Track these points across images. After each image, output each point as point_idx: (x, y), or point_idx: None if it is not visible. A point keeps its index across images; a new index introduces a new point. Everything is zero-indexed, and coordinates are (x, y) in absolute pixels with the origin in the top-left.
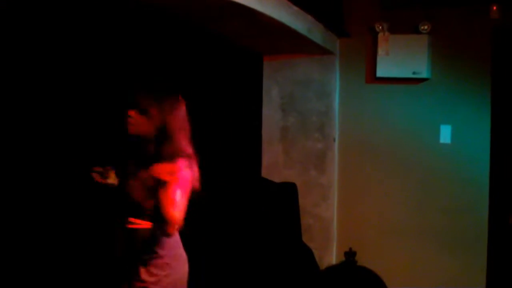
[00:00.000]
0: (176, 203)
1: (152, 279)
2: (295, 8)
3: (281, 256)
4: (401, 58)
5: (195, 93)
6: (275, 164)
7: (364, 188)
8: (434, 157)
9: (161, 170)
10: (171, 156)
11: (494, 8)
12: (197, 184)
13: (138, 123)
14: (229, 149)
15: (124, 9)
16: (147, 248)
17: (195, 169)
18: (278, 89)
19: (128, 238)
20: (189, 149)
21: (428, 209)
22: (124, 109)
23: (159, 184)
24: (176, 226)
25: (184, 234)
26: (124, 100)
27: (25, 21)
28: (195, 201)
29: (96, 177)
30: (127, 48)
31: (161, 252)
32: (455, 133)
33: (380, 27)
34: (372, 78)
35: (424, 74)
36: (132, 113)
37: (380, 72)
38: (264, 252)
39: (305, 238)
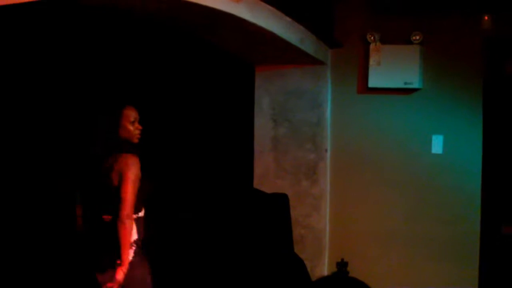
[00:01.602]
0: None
1: None
2: (287, 18)
3: (273, 267)
4: (393, 68)
5: (186, 102)
6: (266, 175)
7: (356, 199)
8: (426, 167)
9: None
10: None
11: (486, 18)
12: None
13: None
14: (220, 159)
15: (118, 20)
16: None
17: None
18: (270, 99)
19: None
20: None
21: (420, 219)
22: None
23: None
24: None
25: (176, 243)
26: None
27: None
28: (186, 211)
29: None
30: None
31: None
32: (447, 143)
33: (372, 38)
34: (364, 88)
35: (415, 85)
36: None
37: (372, 83)
38: (255, 263)
39: (297, 249)
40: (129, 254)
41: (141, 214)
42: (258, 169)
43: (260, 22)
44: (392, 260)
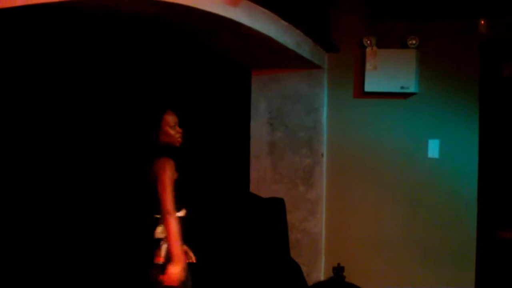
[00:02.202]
0: None
1: None
2: (284, 23)
3: (269, 272)
4: (389, 72)
5: (183, 106)
6: (263, 179)
7: (352, 203)
8: (423, 172)
9: None
10: None
11: (482, 22)
12: None
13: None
14: (217, 164)
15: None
16: None
17: None
18: (266, 103)
19: None
20: None
21: (417, 224)
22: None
23: None
24: None
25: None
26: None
27: None
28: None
29: None
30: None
31: None
32: (443, 147)
33: (368, 42)
34: (360, 92)
35: (412, 89)
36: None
37: (368, 87)
38: (252, 267)
39: (293, 254)
40: (179, 248)
41: (179, 214)
42: (254, 174)
43: (257, 26)
44: (388, 264)
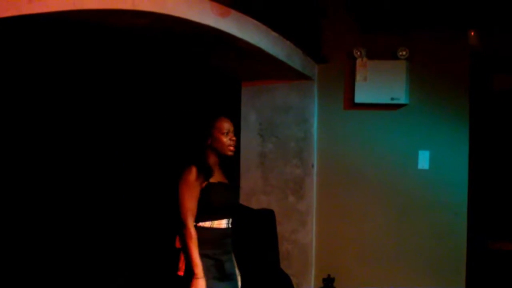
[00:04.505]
0: None
1: None
2: (274, 34)
3: (259, 283)
4: (379, 84)
5: (170, 118)
6: (253, 190)
7: (342, 214)
8: (413, 183)
9: None
10: None
11: (472, 33)
12: None
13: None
14: None
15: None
16: None
17: None
18: (256, 114)
19: None
20: None
21: (407, 235)
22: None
23: None
24: None
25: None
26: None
27: None
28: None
29: None
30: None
31: None
32: (434, 158)
33: (358, 53)
34: (351, 104)
35: (402, 100)
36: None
37: (358, 98)
38: (242, 279)
39: (283, 265)
40: (194, 261)
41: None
42: (245, 185)
43: (247, 37)
44: (378, 276)
